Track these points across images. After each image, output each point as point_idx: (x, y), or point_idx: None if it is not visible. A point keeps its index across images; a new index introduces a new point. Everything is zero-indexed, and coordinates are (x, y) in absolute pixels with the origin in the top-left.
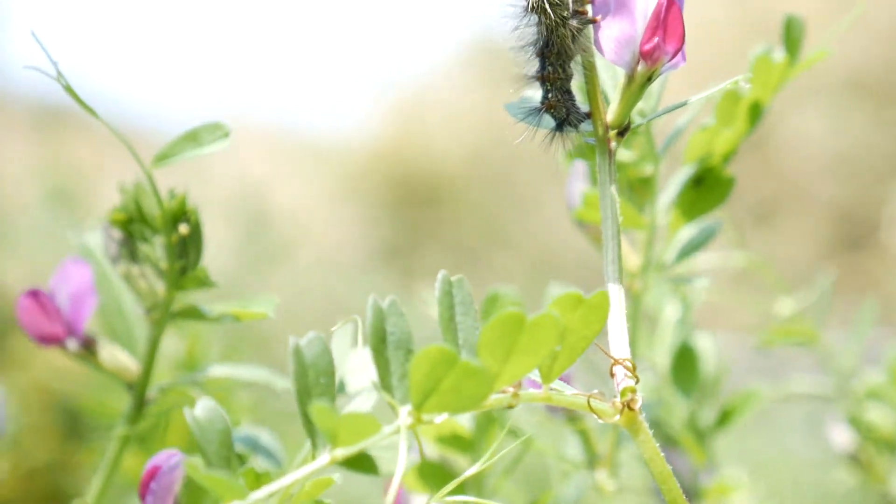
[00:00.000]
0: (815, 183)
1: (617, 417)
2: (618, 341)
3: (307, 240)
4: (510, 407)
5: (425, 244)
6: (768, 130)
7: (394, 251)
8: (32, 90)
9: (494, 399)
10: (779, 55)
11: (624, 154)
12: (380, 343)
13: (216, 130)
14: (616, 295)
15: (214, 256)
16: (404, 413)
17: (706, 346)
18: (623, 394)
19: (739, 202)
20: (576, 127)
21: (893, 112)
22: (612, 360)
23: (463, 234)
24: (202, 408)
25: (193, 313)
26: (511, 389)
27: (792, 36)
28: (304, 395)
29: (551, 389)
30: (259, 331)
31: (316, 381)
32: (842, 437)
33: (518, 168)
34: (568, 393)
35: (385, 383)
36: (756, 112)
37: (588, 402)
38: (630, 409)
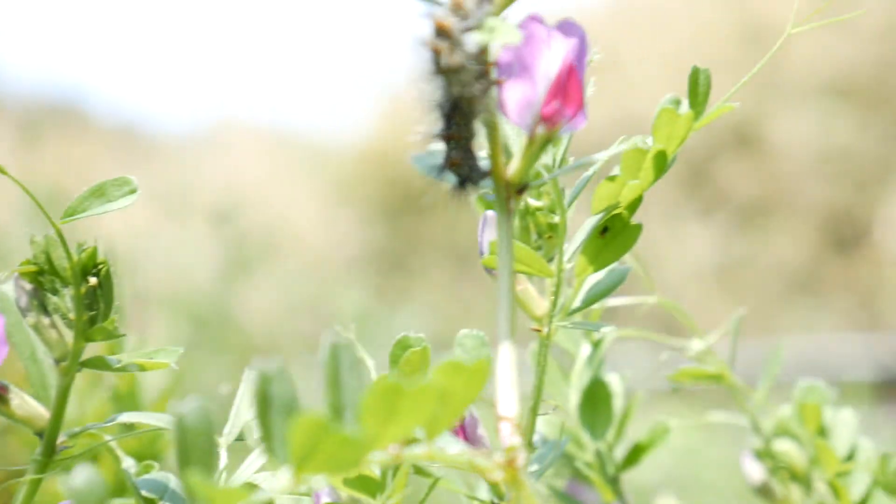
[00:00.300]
0: (805, 185)
1: (500, 475)
2: (506, 399)
3: (299, 240)
4: (395, 464)
5: (419, 247)
6: (757, 133)
7: (387, 253)
8: (24, 90)
9: (377, 459)
10: (684, 108)
11: (535, 202)
12: (265, 407)
13: (123, 186)
14: (506, 351)
15: (198, 263)
16: (285, 474)
17: (616, 383)
18: (507, 451)
19: (729, 204)
20: (476, 184)
21: (882, 114)
22: (499, 418)
23: (457, 237)
24: (80, 477)
25: (100, 364)
26: (395, 449)
27: (697, 88)
28: (183, 462)
29: (435, 447)
30: (245, 338)
31: (195, 448)
32: (755, 470)
33: None
34: (452, 451)
35: (269, 445)
36: (661, 163)
37: (470, 461)
38: (512, 467)
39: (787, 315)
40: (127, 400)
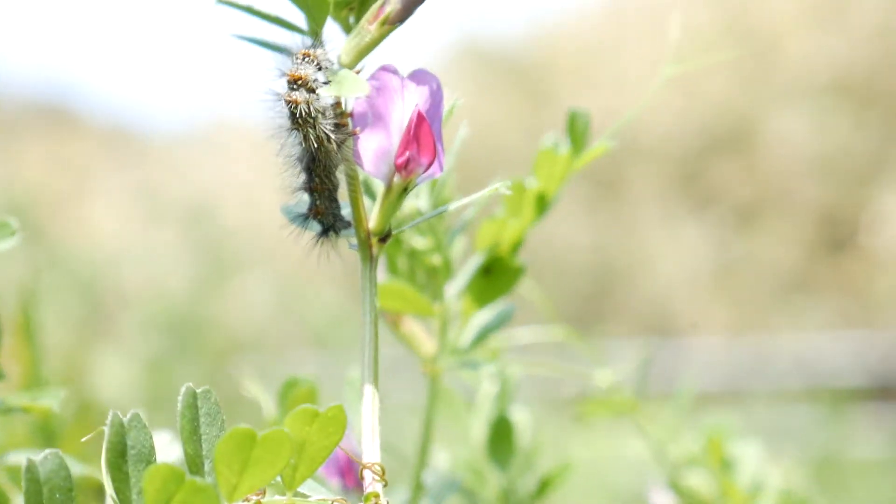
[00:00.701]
0: (798, 185)
1: None
2: (369, 445)
3: (290, 241)
4: None
5: None
6: (751, 133)
7: None
8: (15, 90)
9: None
10: (563, 148)
11: (419, 241)
12: (119, 458)
13: (4, 229)
14: (369, 397)
15: (183, 265)
16: None
17: (523, 419)
18: (367, 498)
19: (722, 204)
20: (339, 233)
21: (875, 114)
22: (361, 465)
23: None
24: None
25: None
26: (254, 497)
27: (577, 129)
28: None
29: (296, 496)
30: (226, 340)
31: (51, 499)
32: (662, 501)
33: (501, 168)
34: (314, 499)
35: (123, 496)
36: (542, 203)
37: None
38: None
39: (779, 314)
40: (42, 431)
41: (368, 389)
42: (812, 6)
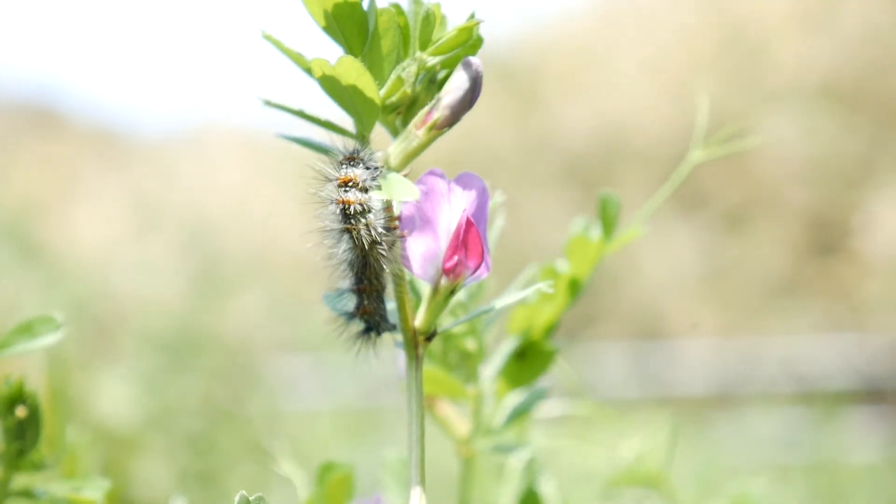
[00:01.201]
0: (787, 188)
1: None
2: None
3: (280, 245)
4: None
5: None
6: (739, 135)
7: None
8: (8, 92)
9: None
10: (595, 233)
11: (450, 323)
12: None
13: (49, 323)
14: (417, 497)
15: (174, 274)
16: None
17: (549, 490)
18: None
19: (712, 208)
20: (381, 334)
21: (864, 117)
22: None
23: None
24: None
25: (28, 495)
26: None
27: (608, 213)
28: None
29: None
30: (222, 351)
31: None
32: None
33: (493, 173)
34: None
35: None
36: (575, 288)
37: None
38: None
39: (769, 318)
40: None
41: (416, 492)
42: (801, 10)
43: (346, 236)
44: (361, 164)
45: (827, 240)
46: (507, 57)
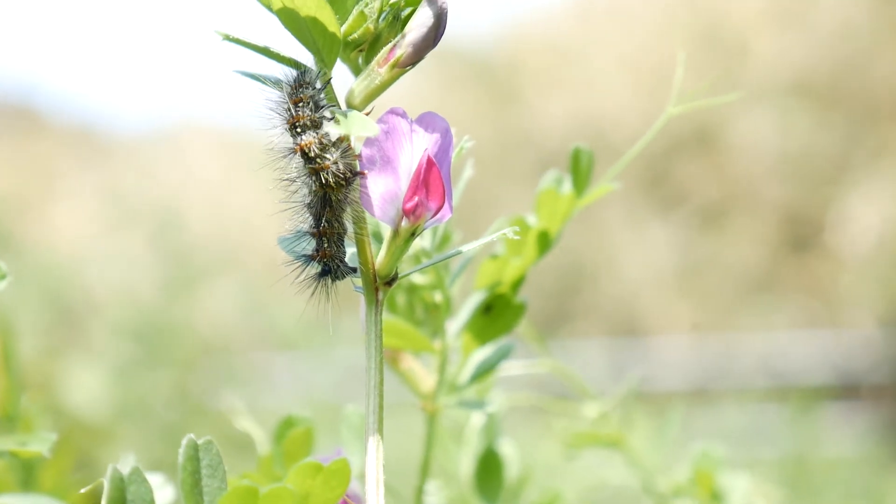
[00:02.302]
0: (762, 185)
1: None
2: (372, 494)
3: (256, 241)
4: None
5: None
6: (716, 133)
7: None
8: None
9: None
10: (566, 187)
11: (419, 278)
12: None
13: None
14: (374, 446)
15: (149, 268)
16: None
17: (510, 451)
18: None
19: (688, 204)
20: (340, 279)
21: (838, 115)
22: None
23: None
24: None
25: None
26: None
27: (580, 167)
28: None
29: None
30: (196, 344)
31: None
32: None
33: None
34: None
35: None
36: (544, 242)
37: None
38: None
39: (745, 314)
40: (23, 468)
41: (373, 441)
42: (776, 7)
43: (305, 177)
44: (309, 103)
45: (802, 236)
46: (484, 53)
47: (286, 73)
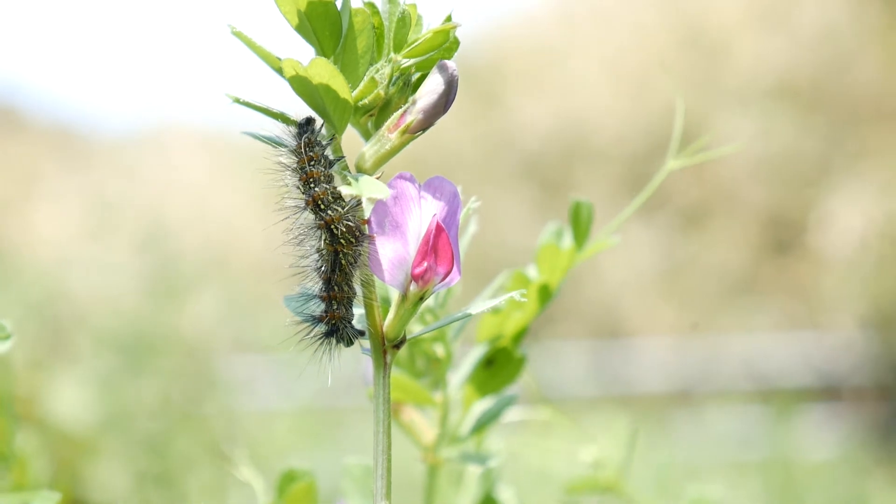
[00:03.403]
0: (744, 187)
1: None
2: None
3: (240, 244)
4: None
5: None
6: (698, 136)
7: None
8: None
9: None
10: (566, 242)
11: (420, 329)
12: None
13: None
14: None
15: (132, 274)
16: None
17: (508, 497)
18: None
19: (670, 206)
20: (348, 343)
21: (820, 117)
22: None
23: None
24: None
25: None
26: None
27: (580, 221)
28: None
29: None
30: (182, 350)
31: None
32: None
33: (454, 172)
34: None
35: None
36: (545, 295)
37: None
38: None
39: (727, 315)
40: None
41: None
42: (759, 10)
43: (318, 232)
44: (321, 158)
45: (784, 238)
46: (467, 56)
47: (292, 130)
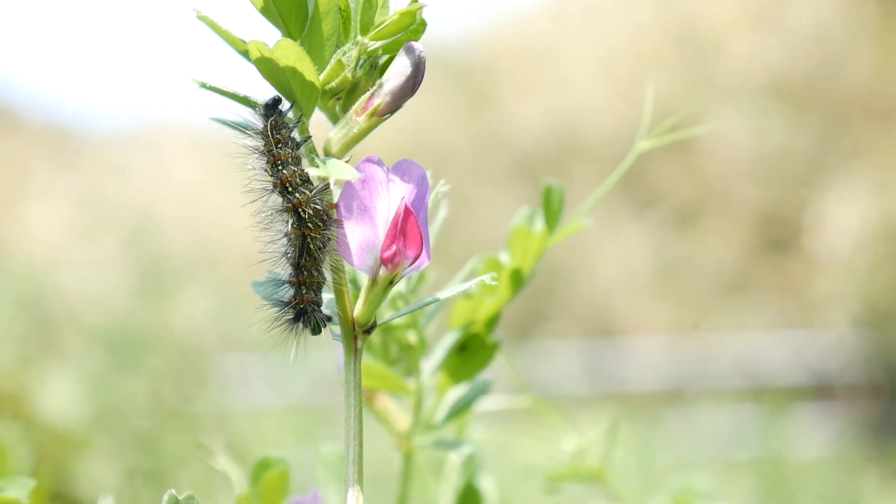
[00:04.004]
0: (738, 186)
1: None
2: None
3: (232, 241)
4: None
5: None
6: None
7: None
8: None
9: None
10: (538, 225)
11: (391, 315)
12: None
13: None
14: (354, 497)
15: (113, 279)
16: None
17: (489, 486)
18: None
19: (663, 205)
20: (314, 329)
21: (814, 116)
22: None
23: None
24: None
25: None
26: None
27: (551, 205)
28: None
29: None
30: (172, 347)
31: None
32: None
33: (445, 170)
34: None
35: None
36: (518, 280)
37: None
38: None
39: (720, 314)
40: None
41: (353, 492)
42: (752, 9)
43: (285, 216)
44: (288, 140)
45: (777, 237)
46: (459, 55)
47: (259, 112)
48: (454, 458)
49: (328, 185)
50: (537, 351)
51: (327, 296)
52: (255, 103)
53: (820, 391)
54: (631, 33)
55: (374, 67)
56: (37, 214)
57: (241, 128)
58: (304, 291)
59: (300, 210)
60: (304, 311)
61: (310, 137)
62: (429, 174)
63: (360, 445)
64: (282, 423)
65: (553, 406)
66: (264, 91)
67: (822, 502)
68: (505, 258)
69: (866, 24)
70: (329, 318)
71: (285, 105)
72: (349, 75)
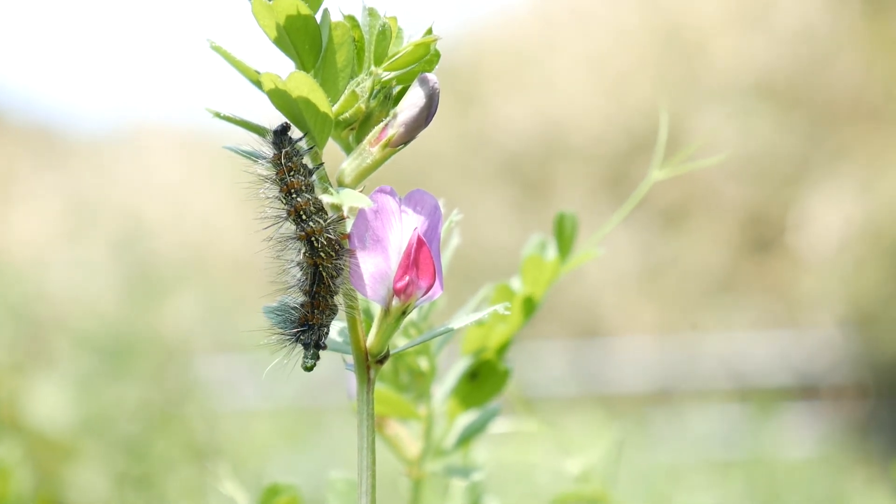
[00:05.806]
0: (724, 186)
1: None
2: None
3: (219, 244)
4: None
5: None
6: (677, 133)
7: None
8: None
9: None
10: (551, 253)
11: (404, 343)
12: None
13: None
14: None
15: (111, 275)
16: None
17: None
18: None
19: (649, 205)
20: (312, 354)
21: (799, 116)
22: None
23: None
24: None
25: None
26: None
27: (564, 233)
28: None
29: None
30: (160, 352)
31: None
32: None
33: (433, 171)
34: None
35: None
36: (530, 307)
37: None
38: None
39: (706, 315)
40: None
41: None
42: (737, 10)
43: (298, 244)
44: (301, 167)
45: (763, 237)
46: (446, 56)
47: (269, 139)
48: (459, 482)
49: (343, 216)
50: (525, 352)
51: (339, 324)
52: (266, 131)
53: (806, 391)
54: (617, 34)
55: (388, 98)
56: (22, 216)
57: (254, 157)
58: (315, 313)
59: (313, 239)
60: (310, 328)
61: (322, 164)
62: (441, 203)
63: (374, 476)
64: (272, 425)
65: (547, 413)
66: (277, 114)
67: (808, 503)
68: (517, 285)
69: (851, 25)
70: (324, 347)
71: (295, 132)
72: (363, 106)
